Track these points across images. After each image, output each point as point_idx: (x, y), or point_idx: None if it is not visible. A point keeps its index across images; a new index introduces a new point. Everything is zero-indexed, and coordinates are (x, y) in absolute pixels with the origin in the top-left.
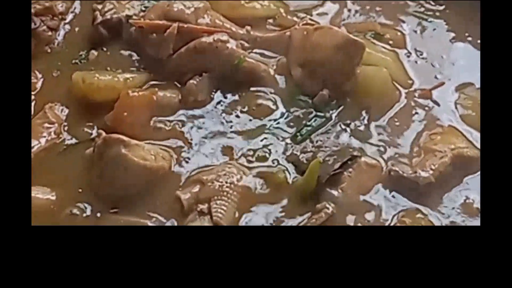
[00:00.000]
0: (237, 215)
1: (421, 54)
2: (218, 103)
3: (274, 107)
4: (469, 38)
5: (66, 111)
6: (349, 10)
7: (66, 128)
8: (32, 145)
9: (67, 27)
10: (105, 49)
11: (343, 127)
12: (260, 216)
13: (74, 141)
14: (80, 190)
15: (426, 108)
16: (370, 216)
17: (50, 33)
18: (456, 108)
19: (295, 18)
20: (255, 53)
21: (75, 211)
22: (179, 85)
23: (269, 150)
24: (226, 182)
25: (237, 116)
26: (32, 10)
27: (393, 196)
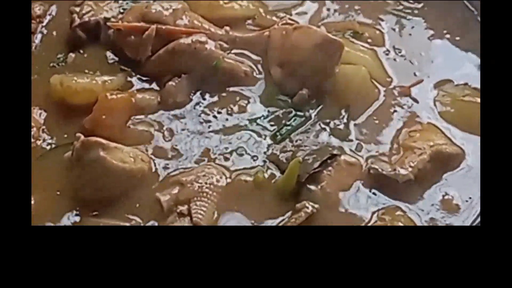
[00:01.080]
0: (216, 215)
1: (400, 52)
2: (197, 104)
3: (253, 107)
4: (447, 36)
5: (44, 114)
6: (328, 9)
7: (44, 131)
8: None
9: (45, 30)
10: (83, 51)
11: (323, 126)
12: (240, 216)
13: (52, 145)
14: (58, 193)
15: (405, 106)
16: (350, 214)
17: None
18: (434, 105)
19: (274, 18)
20: (234, 53)
21: (54, 214)
22: (158, 87)
23: (249, 150)
24: (206, 183)
25: (216, 117)
26: None
27: (373, 194)
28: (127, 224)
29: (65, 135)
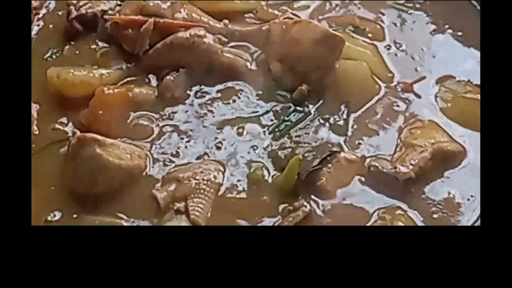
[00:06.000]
0: (212, 212)
1: (401, 47)
2: (195, 98)
3: (252, 102)
4: (449, 30)
5: (39, 108)
6: (330, 4)
7: (39, 126)
8: None
9: (41, 22)
10: (79, 44)
11: (322, 121)
12: (237, 214)
13: (47, 140)
14: (52, 188)
15: (406, 102)
16: (349, 213)
17: None
18: (436, 101)
19: (276, 12)
20: (233, 47)
21: (50, 211)
22: (155, 81)
23: (247, 146)
24: (203, 180)
25: (214, 112)
26: None
27: (373, 192)
28: (123, 222)
29: (61, 130)
